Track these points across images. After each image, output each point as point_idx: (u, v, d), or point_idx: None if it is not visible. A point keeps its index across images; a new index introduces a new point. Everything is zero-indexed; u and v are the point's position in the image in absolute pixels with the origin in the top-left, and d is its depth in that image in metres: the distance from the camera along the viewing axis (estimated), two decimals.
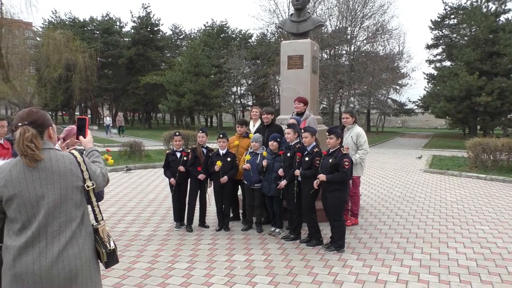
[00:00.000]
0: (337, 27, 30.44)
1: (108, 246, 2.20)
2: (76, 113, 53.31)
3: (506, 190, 9.83)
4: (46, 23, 43.64)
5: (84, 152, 2.39)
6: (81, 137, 2.45)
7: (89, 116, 53.34)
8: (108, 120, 31.44)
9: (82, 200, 2.13)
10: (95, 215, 2.23)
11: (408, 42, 75.53)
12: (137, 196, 8.78)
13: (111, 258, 2.23)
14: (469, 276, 4.53)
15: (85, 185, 2.12)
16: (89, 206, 2.23)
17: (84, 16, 54.85)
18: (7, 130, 5.27)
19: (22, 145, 1.99)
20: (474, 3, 30.55)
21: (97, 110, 53.50)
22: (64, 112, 54.57)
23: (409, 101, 44.89)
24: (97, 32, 45.39)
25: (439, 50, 39.73)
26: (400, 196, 9.06)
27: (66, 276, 1.99)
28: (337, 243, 5.27)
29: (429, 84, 37.35)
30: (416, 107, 45.30)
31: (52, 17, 45.40)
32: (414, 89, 60.99)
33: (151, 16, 43.10)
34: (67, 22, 44.30)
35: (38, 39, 40.11)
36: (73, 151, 2.18)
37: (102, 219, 2.25)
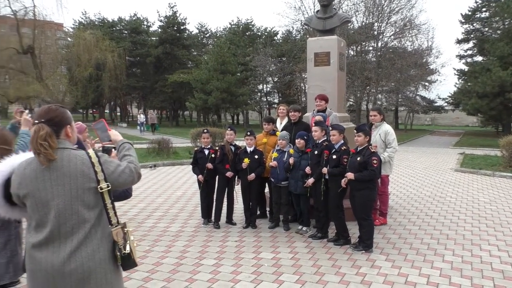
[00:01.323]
0: (363, 23, 29.92)
1: (123, 250, 2.09)
2: (106, 111, 54.56)
3: None
4: (76, 24, 44.89)
5: (116, 146, 2.34)
6: (110, 132, 2.42)
7: (119, 113, 54.53)
8: (141, 118, 31.20)
9: (97, 202, 2.03)
10: (108, 218, 2.09)
11: (437, 37, 73.45)
12: (165, 193, 8.93)
13: (126, 262, 2.12)
14: (504, 281, 4.38)
15: (99, 186, 2.01)
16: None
17: (113, 17, 56.08)
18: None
19: (35, 143, 1.95)
20: None
21: (126, 108, 54.60)
22: (94, 110, 56.00)
23: (439, 98, 43.85)
24: (125, 32, 46.35)
25: (470, 44, 38.49)
26: (430, 195, 8.85)
27: (79, 277, 1.96)
28: (365, 243, 5.20)
29: (460, 80, 36.32)
30: (446, 104, 44.15)
31: (82, 18, 46.71)
32: (444, 85, 59.42)
33: (178, 15, 43.66)
34: (96, 23, 45.42)
35: (69, 39, 41.26)
36: (90, 151, 2.09)
37: (117, 222, 2.11)
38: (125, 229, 2.14)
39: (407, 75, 29.62)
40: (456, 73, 37.05)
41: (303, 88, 34.44)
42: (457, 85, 35.98)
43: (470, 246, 5.50)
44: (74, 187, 1.97)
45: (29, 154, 2.18)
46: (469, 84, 29.85)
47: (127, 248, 2.09)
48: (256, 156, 6.15)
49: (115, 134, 2.42)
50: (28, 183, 1.99)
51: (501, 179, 11.13)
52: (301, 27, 35.41)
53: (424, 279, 4.39)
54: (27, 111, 4.05)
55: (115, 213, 2.10)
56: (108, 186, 2.03)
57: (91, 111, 57.47)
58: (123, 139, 2.35)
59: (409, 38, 31.11)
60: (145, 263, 4.76)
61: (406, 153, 18.48)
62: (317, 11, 7.81)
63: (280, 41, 42.02)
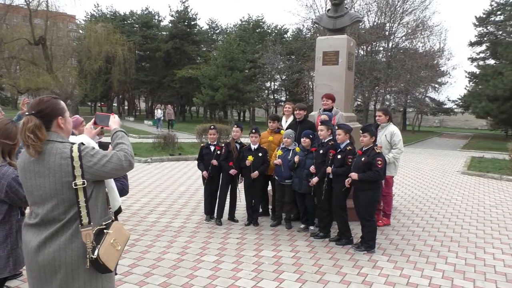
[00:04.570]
0: (375, 23, 29.73)
1: (91, 254, 1.99)
2: (114, 104, 54.85)
3: None
4: (88, 16, 45.11)
5: (110, 134, 2.30)
6: (111, 117, 2.38)
7: (126, 107, 54.83)
8: (159, 113, 28.55)
9: (73, 198, 2.00)
10: (80, 216, 2.00)
11: (449, 39, 72.61)
12: (169, 188, 8.95)
13: (96, 266, 2.03)
14: (507, 284, 4.34)
15: (73, 182, 1.97)
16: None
17: (125, 10, 56.03)
18: None
19: (23, 135, 1.96)
20: None
21: (134, 102, 54.84)
22: (102, 103, 56.32)
23: (448, 100, 43.58)
24: (136, 26, 46.43)
25: (483, 47, 38.13)
26: (435, 197, 8.78)
27: (50, 264, 2.00)
28: (368, 244, 5.18)
29: (471, 83, 36.03)
30: (455, 106, 43.85)
31: (94, 11, 46.89)
32: (454, 87, 58.61)
33: (189, 10, 43.67)
34: (108, 16, 45.55)
35: (80, 31, 41.51)
36: (74, 145, 2.04)
37: (89, 223, 2.01)
38: (105, 231, 2.07)
39: (417, 77, 29.40)
40: (467, 75, 36.75)
41: (311, 86, 34.33)
42: (467, 88, 35.72)
43: (474, 249, 5.45)
44: (53, 181, 1.99)
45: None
46: (480, 87, 29.61)
47: (95, 253, 1.99)
48: (260, 154, 6.14)
49: (113, 121, 2.37)
50: (20, 172, 2.09)
51: (508, 182, 11.01)
52: (311, 25, 35.26)
53: (426, 280, 4.36)
54: None
55: (88, 213, 2.01)
56: (83, 184, 1.98)
57: (99, 104, 57.80)
58: (118, 128, 2.30)
59: (421, 39, 30.93)
60: (147, 258, 4.78)
61: (413, 154, 18.34)
62: (328, 9, 7.77)
63: (290, 39, 41.87)
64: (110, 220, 2.15)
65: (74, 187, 1.97)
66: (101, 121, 2.38)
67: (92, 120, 2.42)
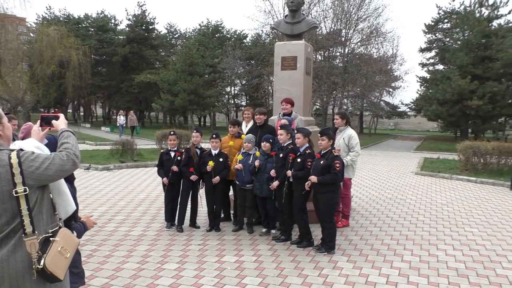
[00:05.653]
0: (331, 29, 30.51)
1: (37, 264, 1.91)
2: (68, 111, 52.89)
3: (495, 193, 9.92)
4: (40, 19, 43.33)
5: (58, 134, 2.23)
6: (53, 121, 2.29)
7: (82, 113, 53.06)
8: (121, 120, 27.71)
9: (15, 207, 1.92)
10: (22, 225, 1.91)
11: (401, 45, 76.06)
12: (128, 195, 8.73)
13: (43, 276, 1.95)
14: (458, 278, 4.57)
15: (14, 190, 1.89)
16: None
17: (79, 13, 54.14)
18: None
19: None
20: (467, 8, 30.84)
21: (90, 108, 53.15)
22: (56, 110, 54.05)
23: (402, 103, 45.31)
24: (92, 30, 45.12)
25: (432, 53, 40.16)
26: (391, 198, 9.11)
27: None
28: (328, 245, 5.28)
29: (422, 87, 37.72)
30: (408, 109, 45.67)
31: (46, 13, 45.09)
32: (407, 91, 60.80)
33: (146, 14, 43.01)
34: (61, 19, 43.93)
35: (31, 35, 39.79)
36: (12, 152, 1.95)
37: (33, 232, 1.93)
38: (52, 239, 1.99)
39: (372, 81, 30.45)
40: (419, 80, 38.51)
41: (271, 91, 34.65)
42: (419, 92, 37.33)
43: (428, 246, 5.70)
44: None
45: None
46: (430, 91, 30.99)
47: (41, 262, 1.91)
48: (221, 159, 6.13)
49: (59, 121, 2.28)
50: None
51: (457, 181, 11.60)
52: (270, 31, 35.67)
53: (384, 278, 4.51)
54: None
55: (31, 221, 1.92)
56: (25, 191, 1.90)
57: (53, 111, 55.50)
58: (64, 128, 2.22)
59: (375, 45, 32.14)
60: (105, 269, 4.63)
61: (370, 156, 18.92)
62: (286, 15, 7.88)
63: (249, 44, 42.14)
64: (58, 227, 2.06)
65: (15, 195, 1.89)
66: (47, 122, 2.31)
67: (38, 122, 2.34)
